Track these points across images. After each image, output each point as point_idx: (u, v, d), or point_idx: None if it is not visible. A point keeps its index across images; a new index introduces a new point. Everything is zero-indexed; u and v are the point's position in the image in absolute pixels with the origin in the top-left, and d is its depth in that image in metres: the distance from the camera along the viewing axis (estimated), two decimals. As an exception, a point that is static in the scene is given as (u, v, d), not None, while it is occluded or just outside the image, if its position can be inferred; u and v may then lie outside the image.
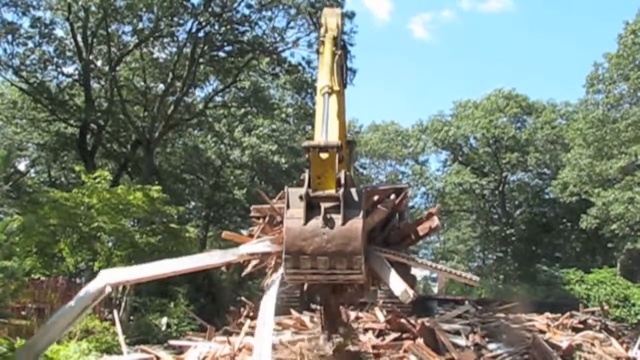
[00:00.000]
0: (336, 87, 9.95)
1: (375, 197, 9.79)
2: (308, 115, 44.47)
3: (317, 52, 12.01)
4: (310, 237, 7.98)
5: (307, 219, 8.09)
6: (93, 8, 32.50)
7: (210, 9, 35.17)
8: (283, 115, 44.94)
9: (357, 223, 8.12)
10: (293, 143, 46.88)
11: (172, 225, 26.18)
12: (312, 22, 37.54)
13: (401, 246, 10.22)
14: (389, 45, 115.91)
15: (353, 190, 8.44)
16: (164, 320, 24.16)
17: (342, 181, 8.45)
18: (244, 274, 11.88)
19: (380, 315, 16.07)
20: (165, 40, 37.44)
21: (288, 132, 46.51)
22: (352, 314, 15.87)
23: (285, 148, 45.18)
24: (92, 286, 9.82)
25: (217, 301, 30.48)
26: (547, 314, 18.65)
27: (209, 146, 44.57)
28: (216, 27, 36.39)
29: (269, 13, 37.76)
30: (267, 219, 10.23)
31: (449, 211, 64.65)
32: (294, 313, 16.65)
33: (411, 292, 8.68)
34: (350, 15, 38.28)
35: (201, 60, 37.18)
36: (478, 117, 55.01)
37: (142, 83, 39.03)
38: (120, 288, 28.73)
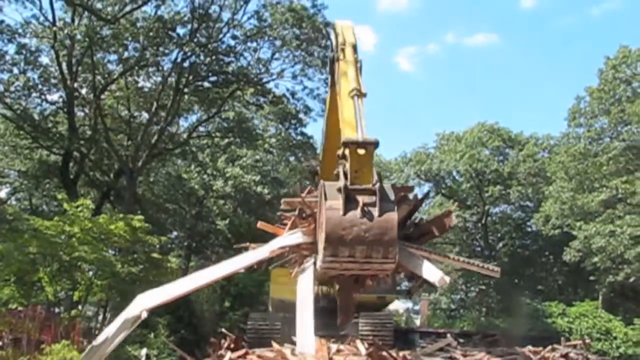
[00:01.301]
0: (364, 90, 10.28)
1: (400, 194, 10.33)
2: (291, 146, 44.56)
3: (332, 60, 12.68)
4: (349, 227, 8.33)
5: (346, 210, 8.42)
6: (79, 36, 32.53)
7: (195, 40, 35.36)
8: (266, 146, 44.94)
9: (392, 215, 8.58)
10: (276, 174, 46.90)
11: (154, 255, 25.98)
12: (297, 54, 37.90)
13: (420, 242, 10.78)
14: (374, 77, 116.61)
15: (386, 186, 8.99)
16: (144, 351, 23.93)
17: (377, 176, 8.97)
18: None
19: (362, 347, 15.97)
20: (151, 69, 37.52)
21: (271, 162, 46.55)
22: (333, 347, 15.76)
23: (269, 179, 45.17)
24: (130, 313, 9.90)
25: (197, 332, 30.24)
26: (529, 347, 18.64)
27: (192, 176, 44.43)
28: (201, 57, 36.54)
29: (254, 44, 38.11)
30: (297, 212, 10.29)
31: (432, 243, 64.53)
32: (275, 345, 16.52)
33: (447, 278, 9.44)
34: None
35: (186, 90, 37.28)
36: (461, 150, 55.32)
37: (127, 112, 38.97)
38: (100, 318, 28.51)
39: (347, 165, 8.81)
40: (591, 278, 47.25)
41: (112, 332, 9.81)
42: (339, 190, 8.53)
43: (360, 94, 10.23)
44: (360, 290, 11.55)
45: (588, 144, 43.75)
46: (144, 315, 9.64)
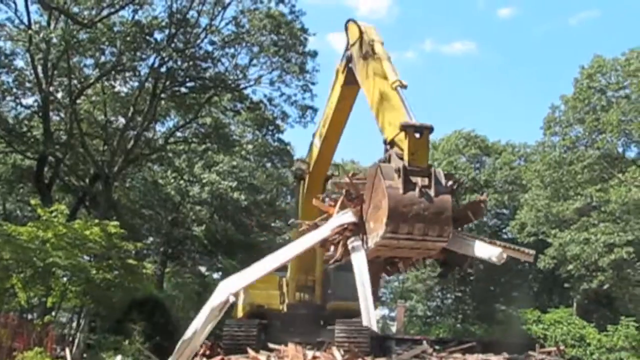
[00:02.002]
0: (405, 83, 10.72)
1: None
2: (268, 153, 44.48)
3: (348, 59, 13.10)
4: (410, 205, 8.82)
5: (405, 189, 8.88)
6: (54, 40, 32.20)
7: (173, 45, 35.20)
8: (243, 152, 44.85)
9: (447, 197, 9.21)
10: (253, 180, 46.76)
11: (129, 261, 25.77)
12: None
13: (457, 226, 10.83)
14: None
15: (438, 170, 9.45)
16: (118, 358, 23.66)
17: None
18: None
19: (338, 355, 15.92)
20: (127, 74, 37.30)
21: (248, 169, 46.43)
22: (309, 354, 15.71)
23: (245, 185, 45.04)
24: (216, 300, 9.94)
25: (173, 339, 29.90)
26: (504, 354, 18.68)
27: (168, 182, 44.20)
28: (179, 62, 36.39)
29: (232, 50, 37.98)
30: (344, 193, 10.41)
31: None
32: (251, 352, 16.44)
33: (505, 254, 9.96)
34: (312, 54, 38.66)
35: (163, 95, 37.09)
36: (438, 157, 55.47)
37: (103, 117, 38.64)
38: (74, 324, 28.23)
39: (404, 147, 9.24)
40: (566, 285, 47.63)
41: (200, 323, 9.95)
42: (397, 170, 8.95)
43: (402, 85, 10.71)
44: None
45: (563, 152, 44.17)
46: (232, 299, 10.01)
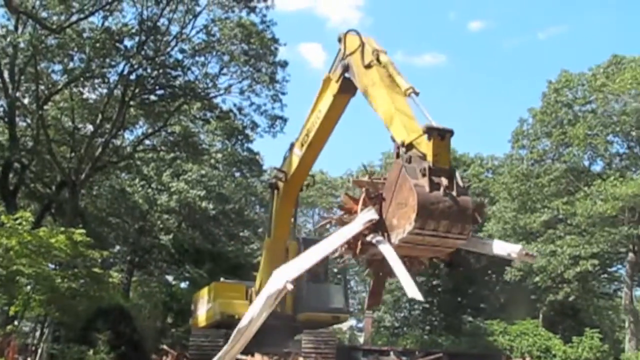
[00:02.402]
0: (417, 90, 11.04)
1: None
2: (237, 162, 44.35)
3: (345, 67, 13.32)
4: (436, 203, 9.20)
5: (431, 188, 9.30)
6: (22, 45, 31.88)
7: (143, 52, 34.98)
8: (212, 161, 44.68)
9: (468, 197, 9.63)
10: (222, 189, 46.57)
11: (95, 269, 25.47)
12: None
13: None
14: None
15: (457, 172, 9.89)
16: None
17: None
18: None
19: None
20: (96, 81, 36.94)
21: (217, 178, 46.21)
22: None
23: (214, 194, 44.82)
24: (272, 287, 9.69)
25: (139, 349, 29.67)
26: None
27: (136, 190, 43.82)
28: (148, 70, 36.16)
29: (202, 59, 37.83)
30: (364, 192, 10.48)
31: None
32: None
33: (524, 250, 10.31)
34: (283, 64, 38.67)
35: (132, 102, 36.79)
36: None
37: (70, 123, 38.20)
38: (38, 334, 27.82)
39: (427, 149, 9.72)
40: (532, 297, 48.03)
41: (256, 311, 9.71)
42: (421, 170, 9.40)
43: (415, 92, 11.05)
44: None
45: (531, 165, 44.68)
46: (289, 287, 9.54)
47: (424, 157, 9.80)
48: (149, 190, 43.67)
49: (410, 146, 10.15)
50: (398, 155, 10.36)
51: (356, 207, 10.35)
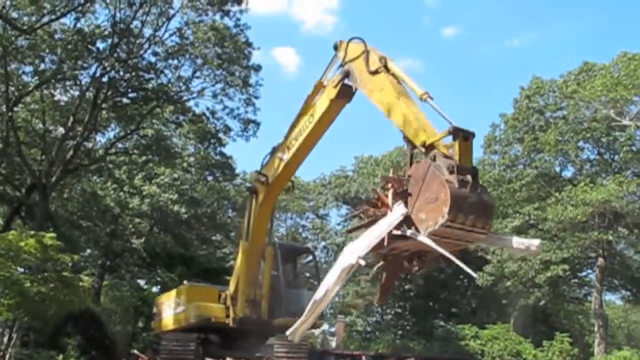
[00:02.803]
0: (431, 95, 11.74)
1: None
2: (210, 166, 44.15)
3: (345, 74, 13.91)
4: (465, 198, 9.97)
5: (459, 184, 10.04)
6: (-8, 46, 31.56)
7: (115, 55, 34.73)
8: (185, 165, 44.41)
9: (489, 195, 10.69)
10: (194, 193, 46.35)
11: (65, 273, 25.20)
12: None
13: None
14: (296, 98, 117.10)
15: None
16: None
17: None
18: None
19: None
20: (68, 83, 36.63)
21: (189, 181, 45.97)
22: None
23: (186, 198, 44.59)
24: (345, 261, 10.20)
25: (109, 354, 29.47)
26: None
27: (108, 193, 43.44)
28: (121, 73, 35.94)
29: (175, 62, 37.63)
30: (393, 188, 10.97)
31: (349, 266, 64.87)
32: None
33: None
34: (256, 68, 38.61)
35: (104, 105, 36.52)
36: (379, 174, 55.75)
37: (41, 125, 37.78)
38: (6, 339, 27.45)
39: (454, 149, 10.47)
40: (503, 301, 48.36)
41: (330, 283, 10.22)
42: (449, 168, 10.08)
43: (430, 97, 11.70)
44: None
45: (502, 170, 45.03)
46: (362, 262, 10.09)
47: (447, 156, 10.49)
48: (121, 193, 43.31)
49: (430, 146, 10.81)
50: (412, 156, 11.35)
51: (387, 201, 10.82)
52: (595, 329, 44.05)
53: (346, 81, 14.03)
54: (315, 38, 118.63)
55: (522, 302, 45.86)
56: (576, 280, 50.27)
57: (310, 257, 29.02)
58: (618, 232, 41.57)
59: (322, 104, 14.97)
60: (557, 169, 46.11)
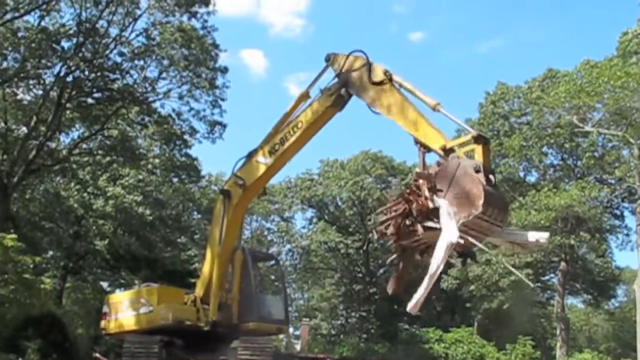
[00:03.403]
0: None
1: None
2: (175, 167, 43.80)
3: (344, 82, 15.10)
4: (493, 194, 11.35)
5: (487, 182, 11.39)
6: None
7: (80, 54, 34.34)
8: (150, 166, 44.00)
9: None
10: (159, 195, 45.98)
11: (26, 275, 24.85)
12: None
13: None
14: (263, 101, 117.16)
15: None
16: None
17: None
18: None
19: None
20: (31, 82, 36.11)
21: (154, 183, 45.61)
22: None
23: (151, 199, 44.23)
24: (451, 238, 11.04)
25: (71, 357, 29.07)
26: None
27: (71, 194, 42.88)
28: (86, 72, 35.51)
29: (142, 62, 37.32)
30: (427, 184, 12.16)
31: (314, 269, 65.03)
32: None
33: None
34: (223, 70, 38.45)
35: (68, 105, 36.06)
36: (344, 177, 55.92)
37: (3, 124, 37.20)
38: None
39: (479, 152, 11.89)
40: (467, 305, 48.77)
41: (440, 258, 11.22)
42: (475, 167, 11.37)
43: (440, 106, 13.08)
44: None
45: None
46: (461, 241, 11.09)
47: (469, 157, 11.92)
48: (85, 194, 42.80)
49: (450, 150, 12.20)
50: (424, 158, 13.04)
51: (426, 193, 11.83)
52: (558, 332, 44.64)
53: (342, 91, 15.13)
54: (284, 41, 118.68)
55: (485, 305, 46.31)
56: (539, 284, 50.85)
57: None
58: (580, 236, 42.13)
59: (314, 110, 15.70)
60: (521, 174, 46.71)
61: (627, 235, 46.53)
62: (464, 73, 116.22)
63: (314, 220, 63.85)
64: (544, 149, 44.67)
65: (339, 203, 60.79)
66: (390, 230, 12.42)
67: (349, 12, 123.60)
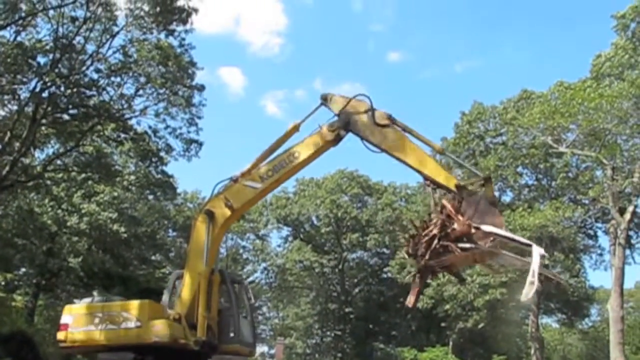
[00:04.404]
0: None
1: None
2: (151, 184, 43.60)
3: (345, 123, 16.35)
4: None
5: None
6: None
7: (57, 70, 34.10)
8: (125, 183, 43.76)
9: None
10: (134, 212, 45.72)
11: (-2, 292, 24.56)
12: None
13: None
14: (241, 119, 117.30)
15: None
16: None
17: None
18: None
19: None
20: (6, 97, 35.79)
21: (129, 200, 45.39)
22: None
23: (126, 217, 43.98)
24: (539, 253, 14.02)
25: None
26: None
27: (45, 210, 42.49)
28: (62, 88, 35.24)
29: (118, 79, 37.11)
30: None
31: (289, 287, 64.87)
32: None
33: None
34: (200, 88, 38.45)
35: (43, 121, 35.74)
36: (320, 196, 56.03)
37: (-24, 140, 36.89)
38: None
39: (489, 189, 14.53)
40: (442, 324, 48.81)
41: (536, 266, 13.56)
42: (492, 201, 14.34)
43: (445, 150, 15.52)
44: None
45: (443, 195, 45.47)
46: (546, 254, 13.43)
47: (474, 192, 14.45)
48: (59, 211, 42.43)
49: (462, 187, 14.50)
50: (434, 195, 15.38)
51: (453, 214, 14.11)
52: (532, 351, 44.82)
53: (342, 132, 16.40)
54: (262, 59, 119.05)
55: (460, 325, 46.37)
56: (514, 304, 51.09)
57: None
58: (554, 256, 42.43)
59: (314, 143, 16.78)
60: (497, 193, 46.90)
61: (601, 255, 47.09)
62: (441, 92, 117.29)
63: (290, 238, 63.88)
64: (519, 169, 45.08)
65: (315, 221, 60.88)
66: (422, 250, 14.32)
67: (328, 31, 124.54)
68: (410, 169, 15.59)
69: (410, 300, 15.14)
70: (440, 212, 14.49)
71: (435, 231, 14.14)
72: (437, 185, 15.13)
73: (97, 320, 18.35)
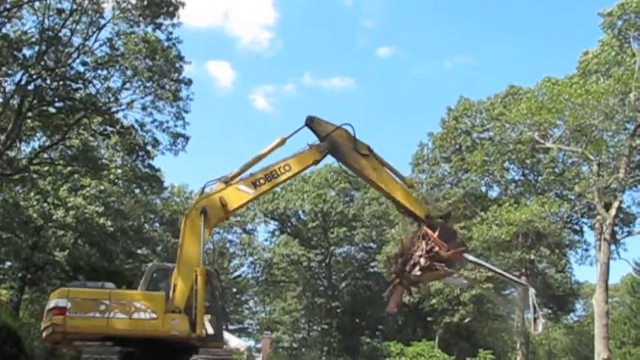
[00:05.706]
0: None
1: None
2: (138, 178, 43.43)
3: (333, 147, 17.86)
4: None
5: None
6: None
7: (43, 63, 33.87)
8: (111, 177, 43.52)
9: None
10: (121, 205, 45.54)
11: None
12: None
13: None
14: (230, 113, 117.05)
15: None
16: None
17: None
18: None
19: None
20: (-9, 90, 35.59)
21: (116, 194, 45.20)
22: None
23: (112, 210, 43.80)
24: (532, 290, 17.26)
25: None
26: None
27: (31, 204, 42.22)
28: (48, 81, 34.99)
29: (105, 72, 36.90)
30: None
31: (276, 282, 64.85)
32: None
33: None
34: (187, 82, 38.32)
35: (29, 114, 35.52)
36: (307, 190, 56.00)
37: (-39, 133, 36.61)
38: None
39: (455, 220, 18.48)
40: (429, 319, 48.94)
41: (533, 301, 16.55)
42: (458, 231, 18.39)
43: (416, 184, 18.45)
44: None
45: (430, 189, 45.64)
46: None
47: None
48: (45, 204, 42.18)
49: (430, 217, 16.82)
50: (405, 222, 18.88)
51: (437, 240, 16.41)
52: (518, 346, 45.07)
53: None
54: (251, 54, 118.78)
55: (447, 319, 46.50)
56: (500, 299, 51.34)
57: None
58: (540, 251, 42.64)
59: (303, 159, 18.03)
60: (483, 188, 47.16)
61: (587, 250, 47.27)
62: (430, 88, 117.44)
63: (277, 233, 63.82)
64: (506, 164, 45.21)
65: (302, 216, 60.83)
66: (413, 268, 16.56)
67: (318, 26, 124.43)
68: (385, 196, 18.62)
69: (391, 307, 17.30)
70: (423, 238, 16.57)
71: (419, 253, 16.46)
72: (409, 213, 17.29)
73: (103, 307, 17.59)
